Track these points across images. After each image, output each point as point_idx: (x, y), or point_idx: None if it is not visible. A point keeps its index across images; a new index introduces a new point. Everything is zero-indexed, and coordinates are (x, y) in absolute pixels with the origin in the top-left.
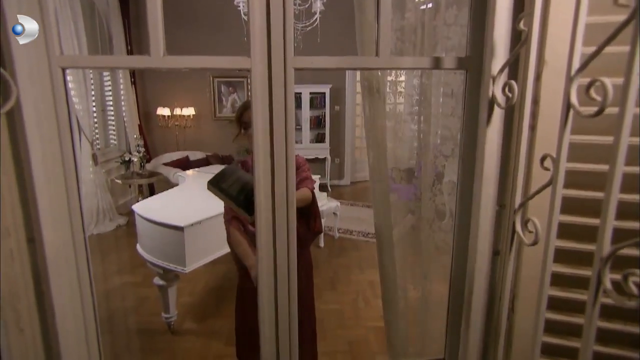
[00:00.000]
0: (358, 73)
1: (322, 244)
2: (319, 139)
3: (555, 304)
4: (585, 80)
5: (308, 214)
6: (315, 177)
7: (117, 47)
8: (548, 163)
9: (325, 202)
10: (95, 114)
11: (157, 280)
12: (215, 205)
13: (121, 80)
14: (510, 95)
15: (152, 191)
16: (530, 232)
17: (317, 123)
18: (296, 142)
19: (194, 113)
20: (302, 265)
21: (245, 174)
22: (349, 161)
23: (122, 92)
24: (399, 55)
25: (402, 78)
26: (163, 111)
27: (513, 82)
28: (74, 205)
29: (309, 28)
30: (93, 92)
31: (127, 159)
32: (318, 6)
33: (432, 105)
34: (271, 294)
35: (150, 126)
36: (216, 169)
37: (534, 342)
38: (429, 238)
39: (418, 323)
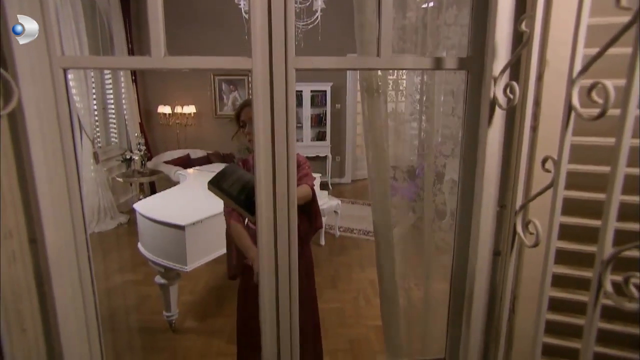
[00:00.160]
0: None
1: (322, 242)
2: (320, 137)
3: (555, 305)
4: (587, 82)
5: (308, 210)
6: (316, 176)
7: (118, 45)
8: (549, 165)
9: (326, 201)
10: (96, 112)
11: (159, 279)
12: (216, 204)
13: (122, 79)
14: (511, 96)
15: (153, 189)
16: (531, 233)
17: (318, 121)
18: (297, 140)
19: (194, 111)
20: (303, 263)
21: (245, 173)
22: (350, 159)
23: (123, 90)
24: (400, 55)
25: (404, 78)
26: (164, 109)
27: (514, 84)
28: (75, 206)
29: (310, 26)
30: (94, 91)
31: (128, 157)
32: (319, 4)
33: (433, 105)
34: (272, 293)
35: (151, 124)
36: (217, 167)
37: (535, 342)
38: (428, 237)
39: (418, 323)
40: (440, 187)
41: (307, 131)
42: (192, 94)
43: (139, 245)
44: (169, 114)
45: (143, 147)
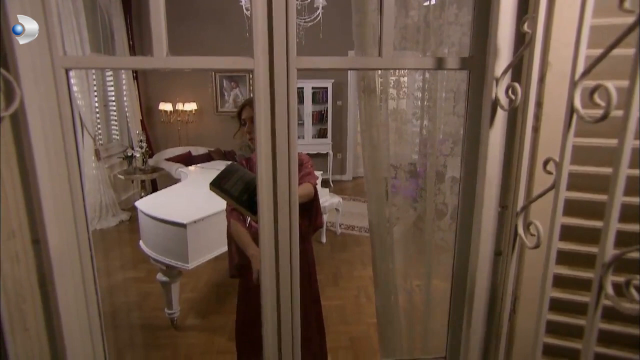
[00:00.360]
0: None
1: (324, 240)
2: (321, 134)
3: (556, 305)
4: (590, 83)
5: (310, 208)
6: (318, 173)
7: (119, 41)
8: (551, 167)
9: (327, 198)
10: (97, 110)
11: (160, 277)
12: (218, 202)
13: (123, 76)
14: (513, 97)
15: (154, 186)
16: (532, 235)
17: (319, 118)
18: (298, 138)
19: (196, 108)
20: (304, 261)
21: (247, 173)
22: (351, 156)
23: (124, 87)
24: (402, 54)
25: (405, 78)
26: (165, 106)
27: (517, 85)
28: (78, 206)
29: (311, 23)
30: (95, 88)
31: (129, 154)
32: (320, 1)
33: (435, 103)
34: (274, 292)
35: (153, 121)
36: (218, 164)
37: (535, 342)
38: (428, 236)
39: (418, 321)
40: (441, 186)
41: (309, 128)
42: (193, 91)
43: (141, 242)
44: (170, 111)
45: (144, 144)
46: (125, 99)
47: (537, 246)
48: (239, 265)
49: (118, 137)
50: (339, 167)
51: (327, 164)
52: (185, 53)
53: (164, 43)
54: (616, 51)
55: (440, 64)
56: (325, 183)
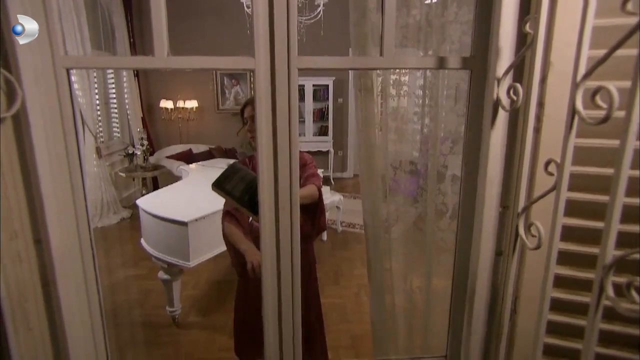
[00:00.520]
0: None
1: (325, 238)
2: (322, 131)
3: (556, 305)
4: (592, 84)
5: (314, 210)
6: (319, 171)
7: (119, 40)
8: (552, 168)
9: (328, 196)
10: (98, 107)
11: (162, 275)
12: (219, 201)
13: (124, 73)
14: (515, 98)
15: (155, 184)
16: (533, 236)
17: (320, 116)
18: (299, 135)
19: (196, 106)
20: (305, 262)
21: (249, 173)
22: (352, 154)
23: (125, 85)
24: (403, 52)
25: (406, 77)
26: (166, 104)
27: (518, 85)
28: (79, 206)
29: (312, 21)
30: (96, 85)
31: (130, 152)
32: None
33: (437, 102)
34: (275, 292)
35: (154, 119)
36: (219, 162)
37: (536, 342)
38: (428, 236)
39: (417, 321)
40: (441, 185)
41: (310, 125)
42: (194, 88)
43: (142, 240)
44: (171, 108)
45: (145, 142)
46: (126, 96)
47: (538, 247)
48: (237, 264)
49: (119, 135)
50: (340, 164)
51: (328, 162)
52: (186, 49)
53: (164, 43)
54: (618, 52)
55: (441, 63)
56: (326, 181)
